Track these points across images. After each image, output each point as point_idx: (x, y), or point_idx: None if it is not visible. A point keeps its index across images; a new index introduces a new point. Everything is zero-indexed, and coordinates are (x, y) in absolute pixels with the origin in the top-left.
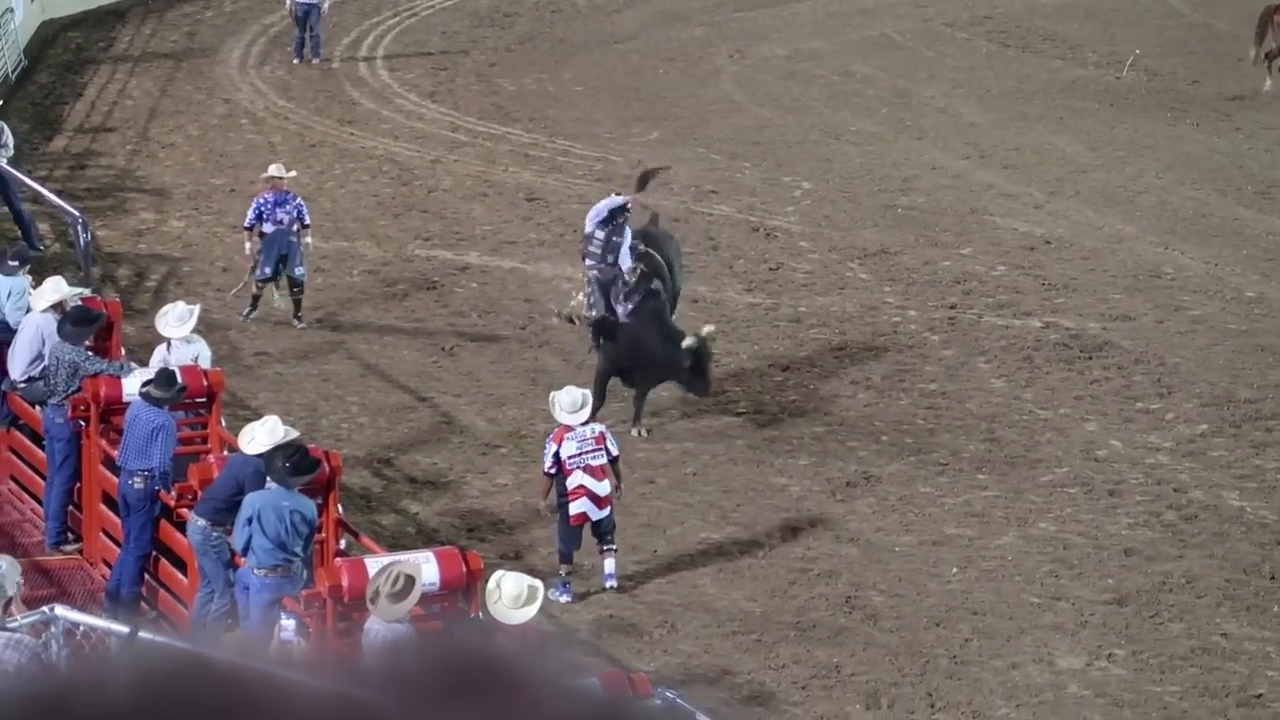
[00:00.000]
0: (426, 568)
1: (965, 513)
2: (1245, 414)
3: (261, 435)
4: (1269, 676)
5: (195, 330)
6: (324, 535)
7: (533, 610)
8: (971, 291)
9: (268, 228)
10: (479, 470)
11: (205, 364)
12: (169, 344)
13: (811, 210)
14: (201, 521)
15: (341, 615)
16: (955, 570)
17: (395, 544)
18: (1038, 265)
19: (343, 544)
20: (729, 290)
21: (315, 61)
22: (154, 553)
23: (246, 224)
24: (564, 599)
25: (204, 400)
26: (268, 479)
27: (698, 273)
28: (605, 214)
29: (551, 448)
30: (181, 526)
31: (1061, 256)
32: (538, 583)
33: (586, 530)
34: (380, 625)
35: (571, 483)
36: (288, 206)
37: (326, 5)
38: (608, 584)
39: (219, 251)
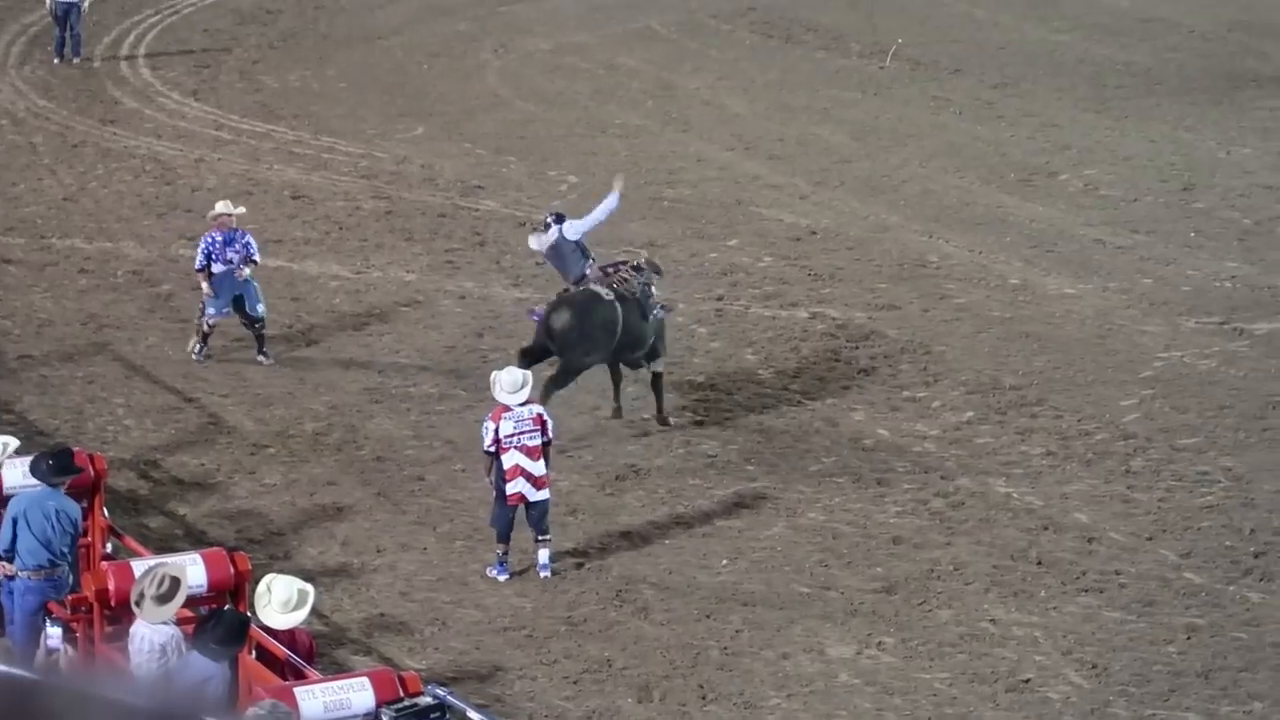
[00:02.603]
0: (193, 570)
1: (734, 504)
2: (1010, 401)
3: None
4: (1036, 661)
5: None
6: (90, 539)
7: (302, 615)
8: (738, 283)
9: (217, 268)
10: (247, 471)
11: None
12: None
13: (578, 204)
14: None
15: (109, 620)
16: (725, 562)
17: (163, 546)
18: (804, 256)
19: (109, 548)
20: (496, 285)
21: (76, 61)
22: None
23: (197, 266)
24: (502, 577)
25: None
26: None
27: (464, 269)
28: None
29: (490, 426)
30: None
31: (827, 247)
32: (308, 587)
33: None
34: (147, 629)
35: (507, 461)
36: (236, 245)
37: (86, 4)
38: (542, 573)
39: None
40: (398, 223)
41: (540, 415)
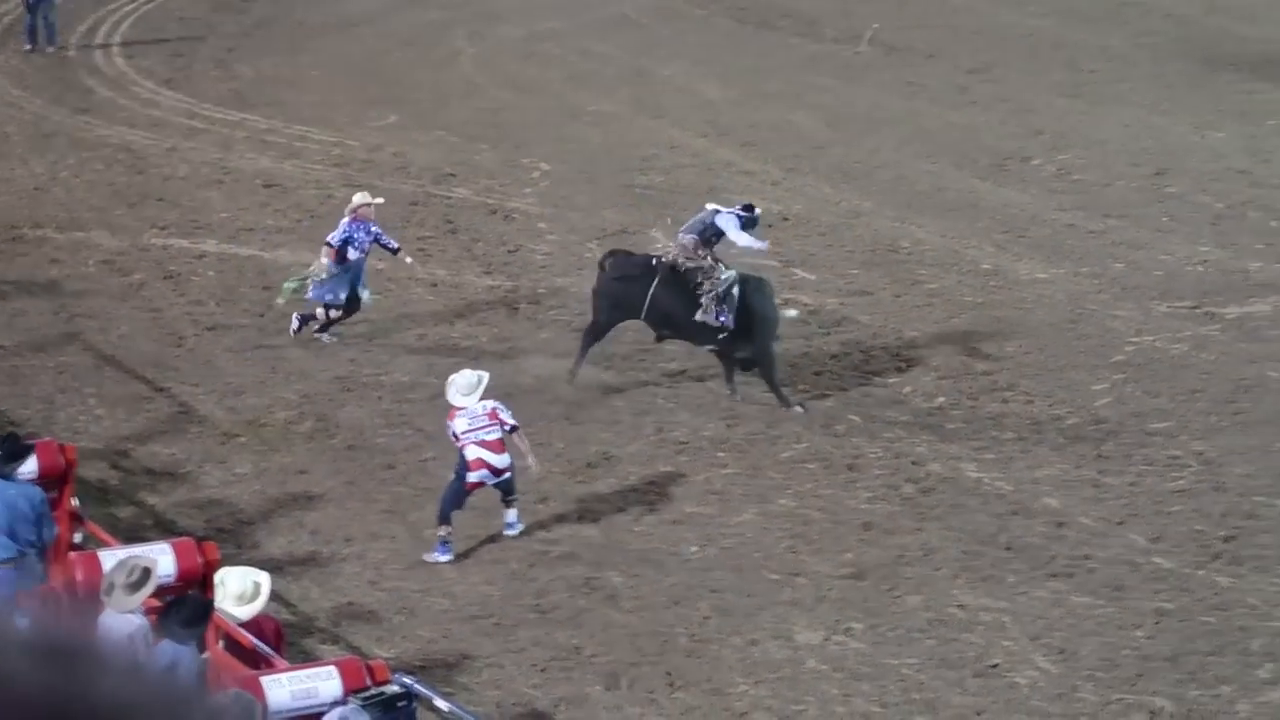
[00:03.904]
0: (163, 559)
1: (705, 491)
2: (982, 386)
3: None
4: (1005, 647)
5: None
6: (59, 529)
7: (258, 606)
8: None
9: (352, 254)
10: (218, 460)
11: None
12: None
13: (550, 191)
14: None
15: (78, 610)
16: (694, 549)
17: (133, 536)
18: (776, 242)
19: (78, 538)
20: (468, 274)
21: (50, 50)
22: None
23: (334, 242)
24: (444, 558)
25: None
26: None
27: (436, 256)
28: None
29: (449, 425)
30: None
31: (799, 233)
32: (263, 577)
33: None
34: (114, 619)
35: (470, 455)
36: (371, 235)
37: None
38: (509, 532)
39: None
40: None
41: (494, 410)
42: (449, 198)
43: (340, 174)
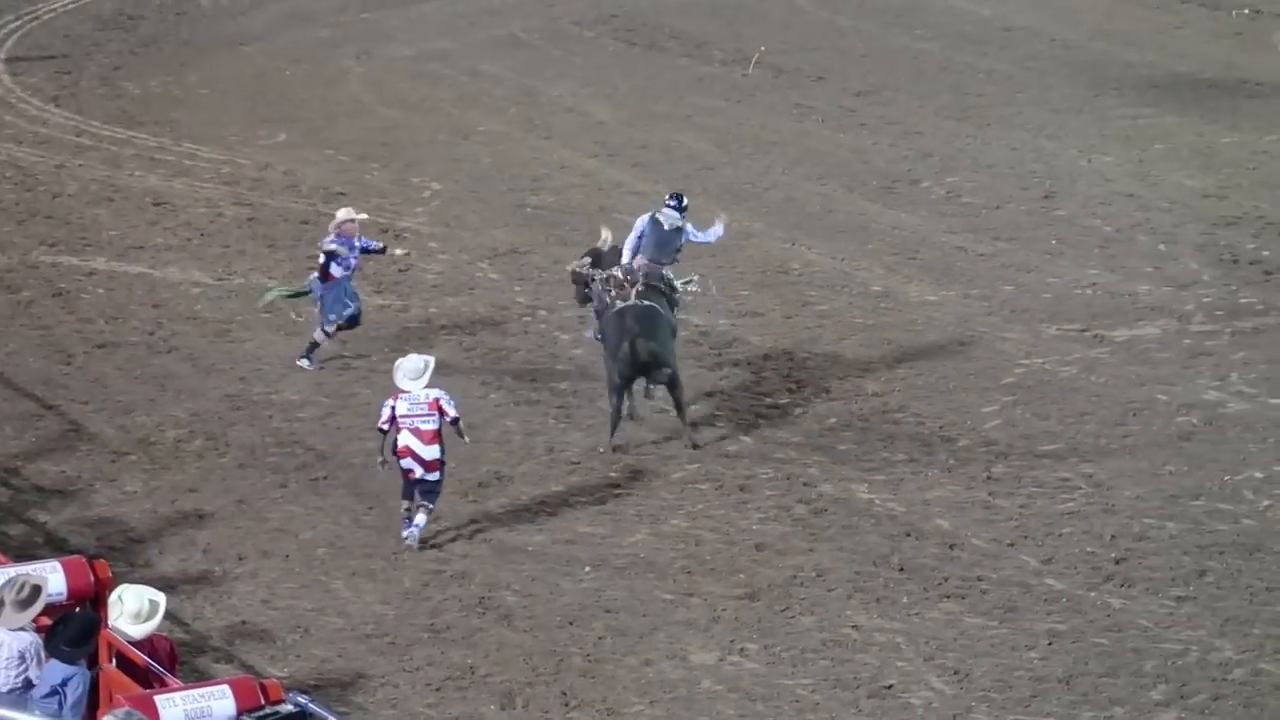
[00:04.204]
0: (53, 577)
1: (597, 511)
2: (873, 407)
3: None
4: (899, 667)
5: None
6: None
7: (154, 624)
8: None
9: (337, 272)
10: (108, 478)
11: None
12: None
13: (441, 211)
14: None
15: None
16: (588, 569)
17: (24, 554)
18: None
19: None
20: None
21: None
22: None
23: (323, 261)
24: (405, 534)
25: None
26: None
27: None
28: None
29: (388, 404)
30: None
31: (689, 253)
32: (159, 596)
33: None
34: (6, 636)
35: (400, 441)
36: (356, 250)
37: None
38: (407, 535)
39: None
40: (260, 229)
41: (437, 400)
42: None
43: (230, 192)
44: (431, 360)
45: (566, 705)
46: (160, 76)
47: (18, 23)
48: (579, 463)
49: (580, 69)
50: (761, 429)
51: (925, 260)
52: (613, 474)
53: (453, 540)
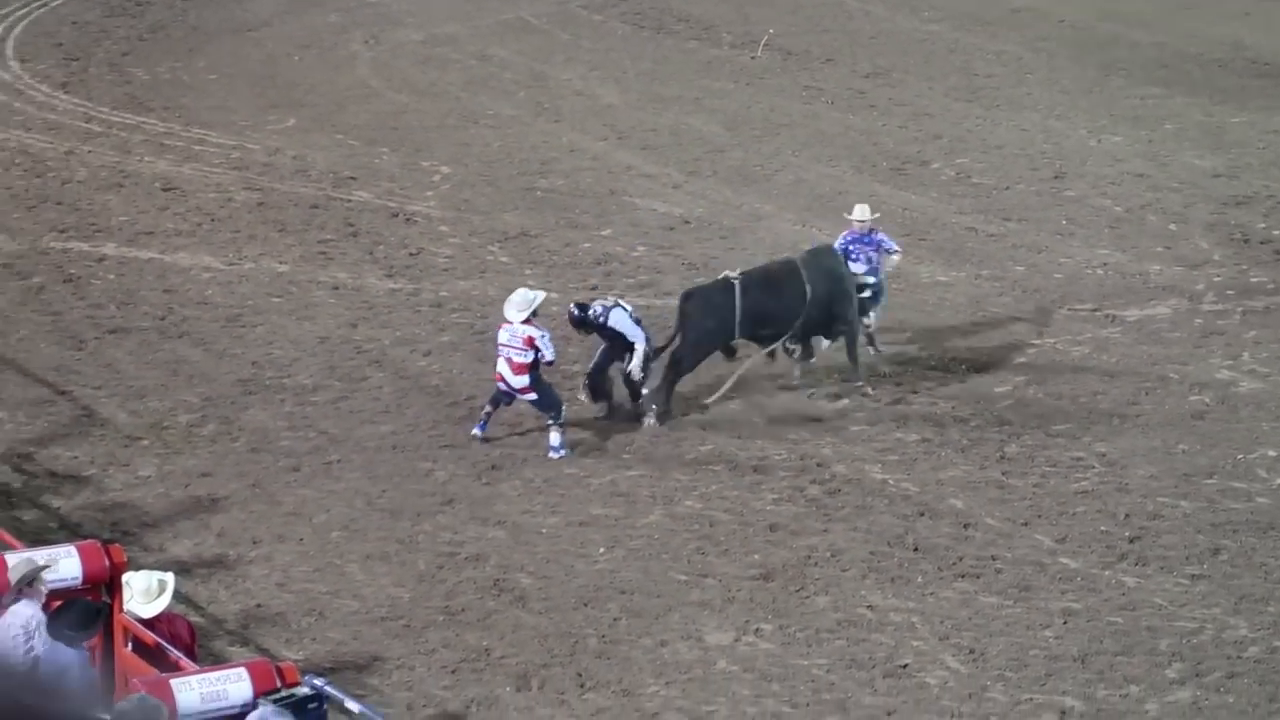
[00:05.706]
0: (68, 562)
1: (611, 493)
2: (885, 388)
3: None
4: (914, 646)
5: None
6: None
7: (165, 600)
8: (612, 273)
9: (858, 266)
10: (121, 463)
11: None
12: None
13: (451, 195)
14: None
15: None
16: (602, 550)
17: (38, 539)
18: (677, 245)
19: None
20: (369, 277)
21: None
22: None
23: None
24: (476, 431)
25: None
26: None
27: (337, 260)
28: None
29: (499, 333)
30: None
31: (700, 236)
32: (168, 576)
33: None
34: (15, 617)
35: (498, 366)
36: (871, 246)
37: None
38: (552, 455)
39: None
40: (270, 214)
41: (530, 337)
42: (349, 201)
43: (240, 177)
44: (540, 296)
45: (582, 686)
46: (169, 62)
47: (25, 10)
48: (592, 445)
49: (589, 52)
50: (774, 410)
51: (936, 241)
52: (626, 455)
53: (466, 522)
